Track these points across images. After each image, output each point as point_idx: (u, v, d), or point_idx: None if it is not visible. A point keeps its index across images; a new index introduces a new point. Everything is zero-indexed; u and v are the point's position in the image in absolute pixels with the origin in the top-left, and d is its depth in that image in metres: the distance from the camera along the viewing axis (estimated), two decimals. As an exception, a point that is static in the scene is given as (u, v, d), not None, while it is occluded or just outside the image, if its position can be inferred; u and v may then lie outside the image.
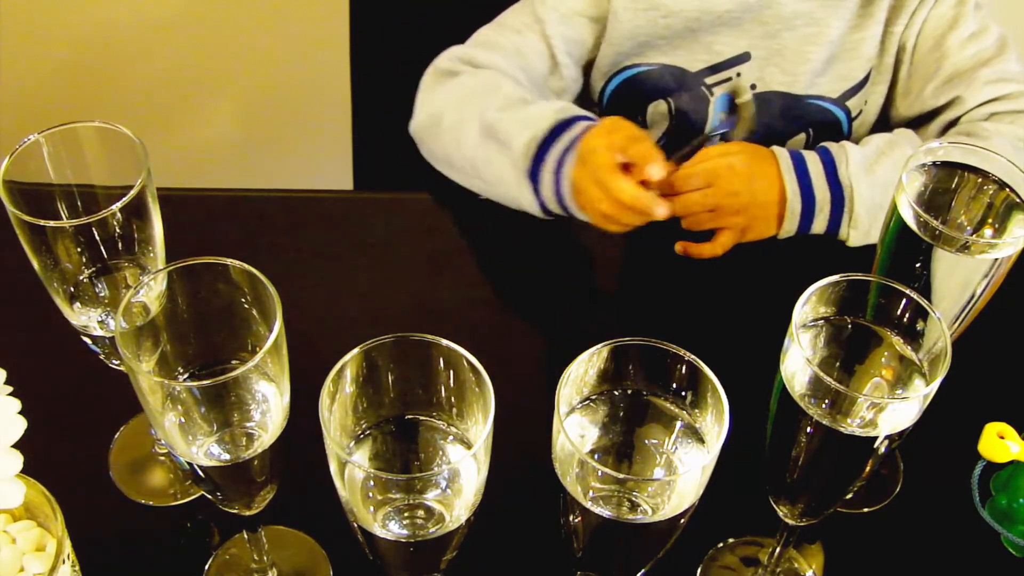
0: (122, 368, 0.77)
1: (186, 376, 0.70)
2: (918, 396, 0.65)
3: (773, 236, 1.05)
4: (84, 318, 0.78)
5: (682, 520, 0.64)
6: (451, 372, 0.65)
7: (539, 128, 1.00)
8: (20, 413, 0.63)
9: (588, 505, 0.63)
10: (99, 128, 0.76)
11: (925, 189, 0.78)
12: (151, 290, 0.67)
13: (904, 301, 0.69)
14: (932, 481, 0.90)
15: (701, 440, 0.67)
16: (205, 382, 0.63)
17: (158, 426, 0.66)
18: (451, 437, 0.68)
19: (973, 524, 0.86)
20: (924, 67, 1.11)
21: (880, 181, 1.02)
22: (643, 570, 0.69)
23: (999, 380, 0.97)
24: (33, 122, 0.80)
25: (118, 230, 0.73)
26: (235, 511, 0.72)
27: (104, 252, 0.74)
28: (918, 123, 1.14)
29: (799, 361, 0.65)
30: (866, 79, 1.14)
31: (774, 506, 0.75)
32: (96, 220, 0.72)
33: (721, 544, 0.86)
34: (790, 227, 1.04)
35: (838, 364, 0.72)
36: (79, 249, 0.73)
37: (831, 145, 1.05)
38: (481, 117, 1.04)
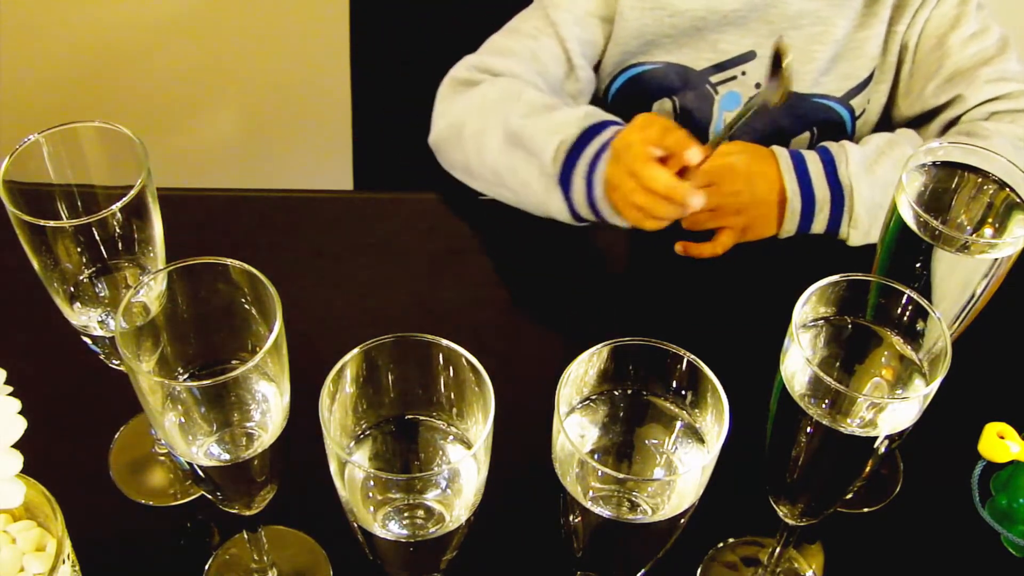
0: (122, 368, 0.77)
1: (186, 376, 0.70)
2: (918, 396, 0.65)
3: (773, 236, 1.05)
4: (84, 318, 0.78)
5: (682, 520, 0.64)
6: (451, 372, 0.65)
7: (568, 133, 1.00)
8: (20, 413, 0.63)
9: (588, 505, 0.63)
10: (99, 128, 0.76)
11: (925, 189, 0.78)
12: (151, 290, 0.67)
13: (904, 301, 0.69)
14: (932, 481, 0.90)
15: (701, 440, 0.67)
16: (205, 382, 0.63)
17: (158, 426, 0.66)
18: (451, 437, 0.68)
19: (973, 524, 0.86)
20: (926, 66, 1.12)
21: (880, 181, 1.03)
22: (643, 570, 0.69)
23: (999, 380, 0.97)
24: (33, 122, 0.80)
25: (118, 230, 0.73)
26: (235, 511, 0.72)
27: (104, 252, 0.74)
28: (919, 122, 1.14)
29: (799, 361, 0.65)
30: (870, 78, 1.14)
31: (774, 506, 0.75)
32: (96, 220, 0.72)
33: (721, 544, 0.86)
34: (790, 227, 1.04)
35: (838, 364, 0.72)
36: (79, 249, 0.73)
37: (831, 145, 1.05)
38: (504, 125, 1.03)
